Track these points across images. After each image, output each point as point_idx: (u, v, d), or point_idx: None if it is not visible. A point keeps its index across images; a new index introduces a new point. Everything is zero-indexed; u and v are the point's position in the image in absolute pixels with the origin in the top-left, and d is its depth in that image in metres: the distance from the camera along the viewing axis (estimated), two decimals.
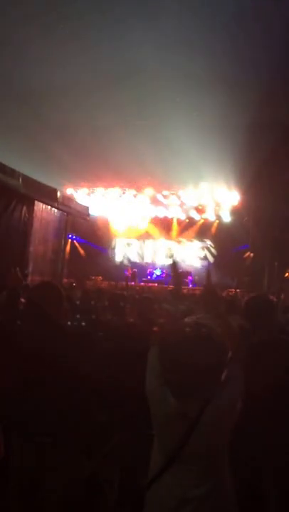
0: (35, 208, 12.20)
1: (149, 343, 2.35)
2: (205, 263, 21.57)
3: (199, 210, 21.60)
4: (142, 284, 18.68)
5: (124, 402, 2.13)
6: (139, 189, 21.45)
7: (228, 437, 2.02)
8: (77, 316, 4.92)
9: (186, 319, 2.22)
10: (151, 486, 2.01)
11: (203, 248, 21.89)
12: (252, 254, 19.89)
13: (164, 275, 20.08)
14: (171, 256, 19.23)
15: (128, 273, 19.79)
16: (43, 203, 12.54)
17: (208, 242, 21.75)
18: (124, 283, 16.62)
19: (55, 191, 12.53)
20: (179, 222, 22.11)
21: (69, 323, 4.60)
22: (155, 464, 2.05)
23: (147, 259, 21.94)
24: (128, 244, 22.37)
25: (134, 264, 21.27)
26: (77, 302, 6.33)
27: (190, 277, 19.75)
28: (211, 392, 1.95)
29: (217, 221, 21.52)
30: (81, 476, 2.96)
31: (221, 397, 1.96)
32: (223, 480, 2.03)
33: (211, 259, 21.64)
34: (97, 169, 19.50)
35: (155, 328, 4.33)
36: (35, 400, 2.52)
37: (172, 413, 1.95)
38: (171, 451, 1.95)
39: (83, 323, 4.75)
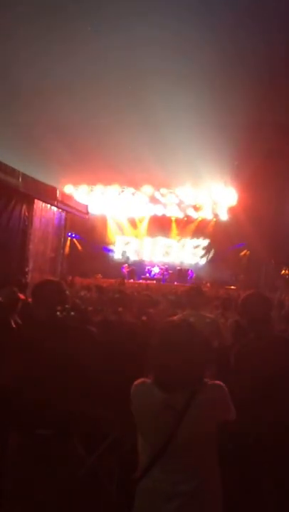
0: (35, 206, 12.23)
1: (145, 338, 2.39)
2: (203, 260, 21.75)
3: (197, 208, 21.72)
4: (140, 281, 18.78)
5: (123, 397, 2.19)
6: (137, 187, 21.53)
7: (215, 432, 2.05)
8: (66, 306, 4.98)
9: (175, 317, 2.28)
10: (141, 480, 2.03)
11: (200, 246, 22.01)
12: (248, 252, 20.05)
13: (161, 273, 20.18)
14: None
15: (125, 270, 19.88)
16: (43, 201, 12.58)
17: (206, 240, 21.87)
18: (120, 280, 16.76)
19: (54, 190, 12.56)
20: (177, 220, 22.22)
21: (58, 313, 4.69)
22: (144, 458, 2.06)
23: (146, 257, 22.03)
24: (127, 243, 22.46)
25: (132, 262, 21.36)
26: (67, 292, 6.40)
27: (191, 274, 19.90)
28: (198, 385, 2.01)
29: (214, 219, 21.65)
30: (80, 470, 2.99)
31: (207, 391, 2.02)
32: (211, 478, 2.05)
33: (208, 256, 21.77)
34: (96, 167, 19.57)
35: (144, 318, 4.45)
36: (36, 395, 2.53)
37: (159, 406, 1.98)
38: (159, 445, 1.97)
39: (72, 313, 4.83)
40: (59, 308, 2.87)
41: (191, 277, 19.95)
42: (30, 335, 2.80)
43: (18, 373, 2.64)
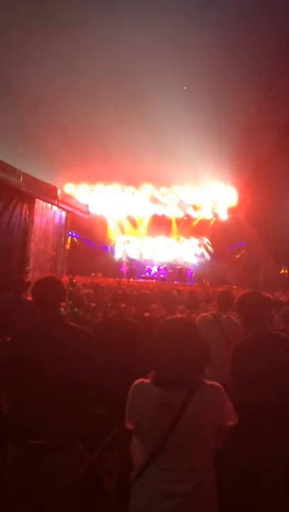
0: (36, 205, 12.24)
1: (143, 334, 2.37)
2: (202, 260, 21.81)
3: (197, 207, 21.81)
4: (141, 280, 18.84)
5: (124, 394, 2.22)
6: (137, 186, 21.61)
7: (212, 433, 2.05)
8: (70, 302, 5.03)
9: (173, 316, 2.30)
10: (138, 479, 2.05)
11: (200, 245, 22.08)
12: (247, 252, 20.13)
13: (159, 272, 20.22)
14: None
15: (123, 269, 19.94)
16: (44, 200, 12.60)
17: (206, 240, 21.93)
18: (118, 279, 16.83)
19: (55, 189, 12.56)
20: (177, 219, 22.30)
21: (62, 309, 4.69)
22: (140, 458, 2.07)
23: (146, 257, 22.09)
24: (127, 242, 22.52)
25: (133, 261, 21.43)
26: (70, 288, 6.50)
27: (190, 273, 19.94)
28: (196, 383, 2.04)
29: (214, 219, 21.72)
30: (79, 470, 2.95)
31: (205, 391, 2.03)
32: (208, 479, 2.05)
33: (208, 256, 21.84)
34: (97, 166, 19.62)
35: (146, 314, 4.49)
36: (35, 398, 2.49)
37: (157, 404, 2.00)
38: (156, 443, 1.98)
39: (76, 309, 4.86)
40: (63, 304, 2.82)
41: (191, 276, 20.02)
42: (27, 342, 2.71)
43: (14, 381, 2.60)
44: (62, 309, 2.85)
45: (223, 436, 2.11)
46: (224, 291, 4.88)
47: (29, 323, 2.96)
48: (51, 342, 2.63)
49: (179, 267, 20.77)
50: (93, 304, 5.85)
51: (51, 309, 2.76)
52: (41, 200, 12.43)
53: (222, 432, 2.09)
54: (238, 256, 20.57)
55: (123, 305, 4.15)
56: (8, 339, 2.82)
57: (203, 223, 21.93)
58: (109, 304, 4.72)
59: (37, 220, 12.43)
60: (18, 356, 2.64)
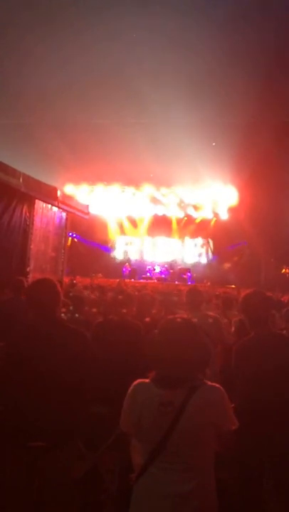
0: (36, 206, 12.25)
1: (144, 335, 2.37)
2: (203, 259, 21.82)
3: (197, 207, 21.80)
4: (141, 280, 18.83)
5: (126, 394, 2.21)
6: (138, 187, 21.62)
7: (212, 435, 2.06)
8: (71, 307, 5.01)
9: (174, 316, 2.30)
10: (139, 478, 2.05)
11: (201, 245, 22.08)
12: (248, 251, 20.13)
13: (160, 272, 20.22)
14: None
15: (126, 270, 19.94)
16: (44, 201, 12.60)
17: (206, 239, 21.94)
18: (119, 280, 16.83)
19: (55, 190, 12.55)
20: (178, 219, 22.31)
21: (63, 314, 4.61)
22: (139, 459, 2.08)
23: (147, 257, 22.09)
24: (128, 242, 22.52)
25: (134, 262, 21.43)
26: (70, 294, 6.47)
27: (188, 274, 19.92)
28: (196, 383, 2.04)
29: (215, 219, 21.72)
30: (79, 472, 2.98)
31: (205, 392, 2.04)
32: (208, 479, 2.06)
33: (208, 256, 21.85)
34: (97, 167, 19.63)
35: (147, 319, 4.48)
36: (31, 398, 2.49)
37: (157, 403, 2.00)
38: (156, 442, 1.98)
39: (77, 315, 4.85)
40: (63, 310, 2.79)
41: (191, 276, 20.01)
42: (22, 342, 2.70)
43: (15, 376, 2.59)
44: (62, 315, 2.80)
45: (223, 439, 2.11)
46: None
47: (25, 323, 2.95)
48: (46, 342, 2.62)
49: (179, 267, 20.76)
50: (94, 310, 5.82)
51: (46, 310, 2.75)
52: (41, 201, 12.42)
53: (222, 434, 2.09)
54: (238, 256, 20.55)
55: (124, 310, 4.13)
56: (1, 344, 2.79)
57: (204, 223, 21.93)
58: (110, 309, 4.68)
59: (37, 221, 12.42)
60: (13, 356, 2.63)
